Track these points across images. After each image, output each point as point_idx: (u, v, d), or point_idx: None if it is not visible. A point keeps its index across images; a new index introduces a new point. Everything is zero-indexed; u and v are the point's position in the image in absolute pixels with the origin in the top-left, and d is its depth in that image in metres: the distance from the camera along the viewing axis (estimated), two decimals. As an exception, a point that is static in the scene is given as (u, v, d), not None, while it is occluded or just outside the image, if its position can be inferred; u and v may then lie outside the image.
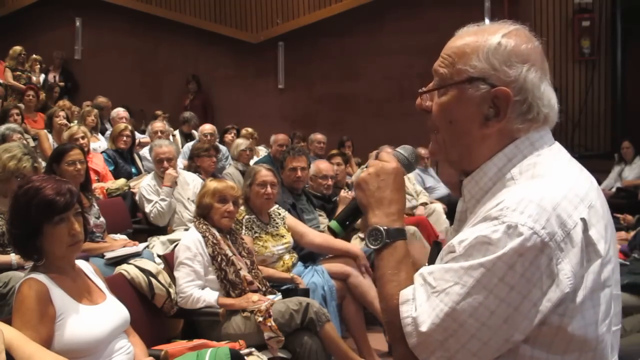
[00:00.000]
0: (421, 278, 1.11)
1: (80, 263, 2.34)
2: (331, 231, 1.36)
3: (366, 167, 1.33)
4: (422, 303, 1.08)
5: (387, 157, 1.30)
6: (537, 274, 1.02)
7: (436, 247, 1.30)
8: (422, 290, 1.10)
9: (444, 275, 1.07)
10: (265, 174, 3.82)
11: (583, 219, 1.06)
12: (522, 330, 1.03)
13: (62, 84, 9.75)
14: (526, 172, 1.13)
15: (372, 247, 1.23)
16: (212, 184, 3.43)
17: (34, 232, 2.08)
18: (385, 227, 1.22)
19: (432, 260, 1.26)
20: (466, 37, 1.18)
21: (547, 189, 1.07)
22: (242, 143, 6.42)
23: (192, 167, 5.34)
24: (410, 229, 4.90)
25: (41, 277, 2.09)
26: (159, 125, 6.94)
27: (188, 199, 4.75)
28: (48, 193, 2.08)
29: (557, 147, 1.20)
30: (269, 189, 3.78)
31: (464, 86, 1.15)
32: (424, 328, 1.07)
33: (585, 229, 1.06)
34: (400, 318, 1.11)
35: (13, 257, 3.25)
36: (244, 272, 3.28)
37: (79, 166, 3.93)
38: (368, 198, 1.26)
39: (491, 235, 1.03)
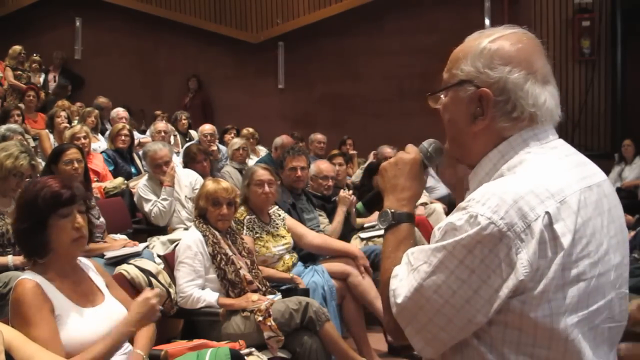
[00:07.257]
0: (406, 257, 1.23)
1: (83, 260, 2.33)
2: (357, 212, 1.47)
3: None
4: (403, 278, 1.20)
5: (409, 149, 1.42)
6: (495, 261, 1.09)
7: None
8: (404, 267, 1.22)
9: (419, 255, 1.19)
10: (261, 173, 3.82)
11: (548, 213, 1.10)
12: (484, 313, 1.11)
13: (69, 86, 9.71)
14: (513, 168, 1.20)
15: (381, 227, 1.36)
16: (206, 187, 3.42)
17: (40, 225, 2.10)
18: (393, 210, 1.35)
19: None
20: (465, 43, 1.28)
21: (514, 183, 1.14)
22: (236, 142, 6.52)
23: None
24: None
25: (35, 276, 2.08)
26: (161, 125, 6.94)
27: (185, 196, 4.75)
28: (54, 185, 2.15)
29: (553, 144, 1.23)
30: (266, 188, 3.78)
31: (457, 88, 1.26)
32: (399, 300, 1.19)
33: (549, 223, 1.10)
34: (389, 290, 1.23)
35: (10, 259, 3.24)
36: (243, 272, 3.28)
37: (76, 165, 3.92)
38: (385, 184, 1.40)
39: (457, 222, 1.13)
